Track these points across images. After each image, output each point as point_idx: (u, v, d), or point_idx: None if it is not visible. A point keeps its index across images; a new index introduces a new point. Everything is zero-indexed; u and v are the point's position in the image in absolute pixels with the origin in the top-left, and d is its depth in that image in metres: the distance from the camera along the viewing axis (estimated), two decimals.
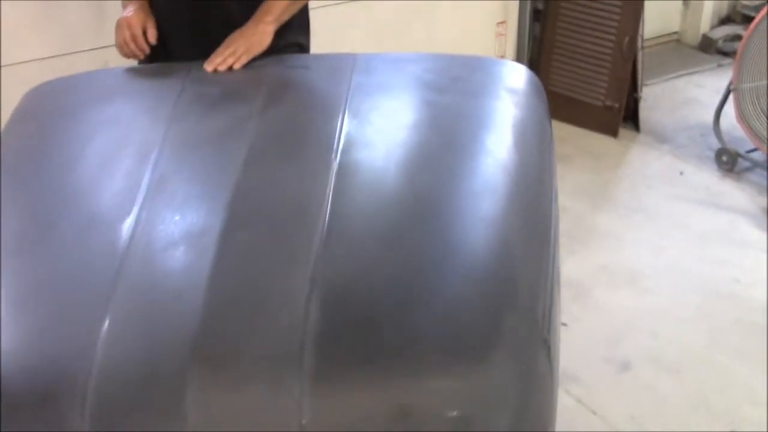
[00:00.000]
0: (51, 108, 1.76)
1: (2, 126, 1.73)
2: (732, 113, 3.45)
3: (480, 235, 1.19)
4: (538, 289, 1.16)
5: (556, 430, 1.14)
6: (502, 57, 3.91)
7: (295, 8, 1.94)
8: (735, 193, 3.34)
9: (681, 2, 4.79)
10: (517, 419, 0.97)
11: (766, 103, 3.33)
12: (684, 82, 4.38)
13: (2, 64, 2.52)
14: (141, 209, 1.19)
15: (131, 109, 1.70)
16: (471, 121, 1.66)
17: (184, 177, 1.31)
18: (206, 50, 1.80)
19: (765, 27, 3.29)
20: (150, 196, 1.23)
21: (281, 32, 1.89)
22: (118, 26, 1.90)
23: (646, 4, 3.67)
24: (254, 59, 1.84)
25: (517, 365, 1.00)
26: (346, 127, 1.49)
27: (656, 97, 4.14)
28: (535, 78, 1.92)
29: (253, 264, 1.07)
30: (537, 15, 3.96)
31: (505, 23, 3.94)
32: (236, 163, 1.31)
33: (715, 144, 3.56)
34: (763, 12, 3.32)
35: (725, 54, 4.63)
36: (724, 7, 4.86)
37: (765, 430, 2.18)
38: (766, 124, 3.34)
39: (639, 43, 3.67)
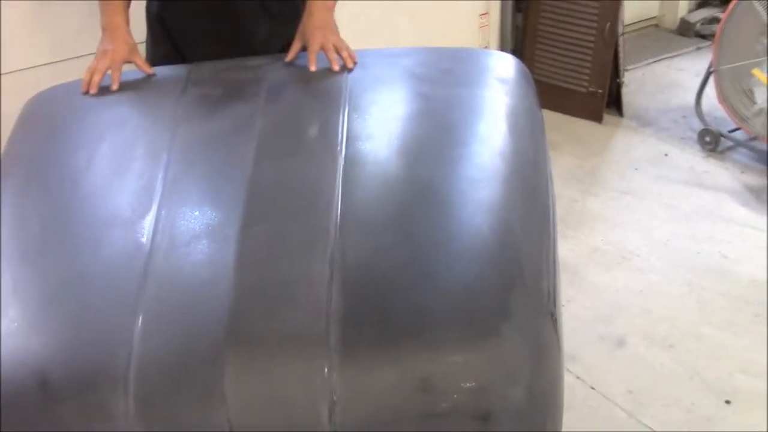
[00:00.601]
0: (55, 114, 1.80)
1: (3, 133, 1.76)
2: (713, 94, 3.54)
3: (483, 218, 1.26)
4: (541, 266, 1.23)
5: None
6: (486, 47, 3.98)
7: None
8: (719, 172, 3.43)
9: None
10: (530, 388, 1.04)
11: (746, 83, 3.41)
12: (664, 65, 4.46)
13: (1, 72, 2.55)
14: (159, 207, 1.25)
15: (136, 112, 1.75)
16: (465, 111, 1.72)
17: (198, 175, 1.36)
18: (222, 41, 1.84)
19: (742, 8, 3.37)
20: (166, 195, 1.29)
21: (283, 32, 1.94)
22: (102, 56, 1.82)
23: None
24: (252, 59, 1.90)
25: (527, 337, 1.07)
26: (349, 120, 1.55)
27: (638, 82, 4.22)
28: (523, 66, 1.99)
29: (274, 252, 1.13)
30: (519, 5, 4.02)
31: (487, 15, 4.00)
32: (247, 159, 1.37)
33: (697, 125, 3.65)
34: None
35: (703, 37, 4.72)
36: None
37: (756, 396, 2.26)
38: (746, 104, 3.43)
39: (620, 29, 3.75)
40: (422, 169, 1.43)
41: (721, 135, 3.56)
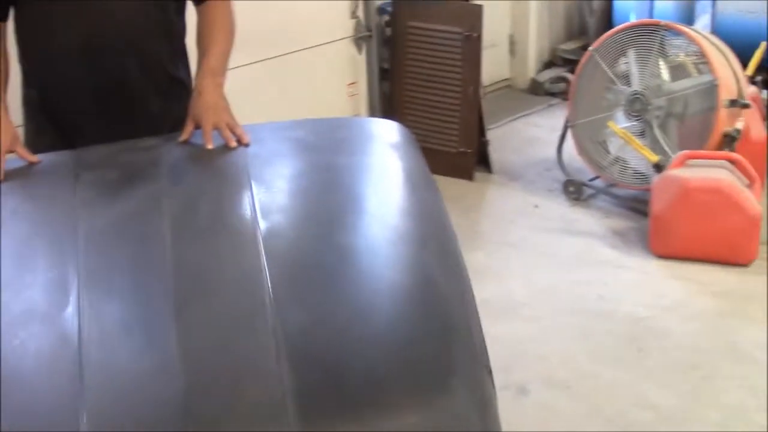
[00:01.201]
0: None
1: None
2: (572, 147, 3.80)
3: (406, 276, 1.30)
4: (470, 320, 1.27)
5: None
6: (357, 115, 4.09)
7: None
8: (585, 219, 3.66)
9: (508, 51, 5.21)
10: None
11: (600, 135, 3.69)
12: (522, 123, 4.75)
13: None
14: (79, 299, 1.19)
15: (28, 203, 1.67)
16: (366, 178, 1.77)
17: (116, 262, 1.31)
18: (112, 122, 1.80)
19: (590, 66, 3.66)
20: (84, 286, 1.23)
21: (183, 99, 1.93)
22: None
23: None
24: (144, 140, 1.86)
25: (473, 390, 1.10)
26: (257, 195, 1.55)
27: (500, 139, 4.45)
28: (407, 130, 2.06)
29: (215, 333, 1.11)
30: (385, 74, 4.18)
31: (356, 84, 4.13)
32: (162, 243, 1.34)
33: (561, 176, 3.88)
34: (585, 57, 3.69)
35: (553, 94, 5.07)
36: (546, 53, 5.33)
37: (652, 427, 2.39)
38: (602, 154, 3.70)
39: (481, 92, 3.97)
40: (338, 236, 1.45)
41: (583, 184, 3.81)
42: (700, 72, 3.47)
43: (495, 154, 4.19)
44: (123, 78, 1.95)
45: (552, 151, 4.00)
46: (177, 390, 0.99)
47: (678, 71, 3.50)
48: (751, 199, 3.10)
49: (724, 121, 3.37)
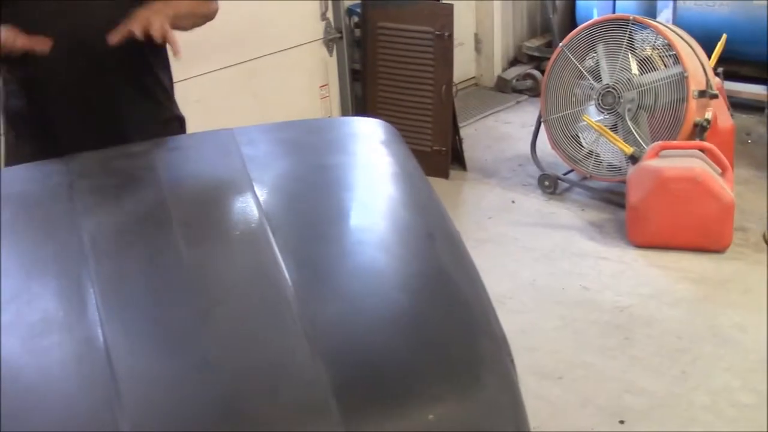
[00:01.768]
0: None
1: None
2: (545, 141, 3.84)
3: (430, 270, 1.30)
4: (489, 314, 1.29)
5: None
6: (330, 117, 4.09)
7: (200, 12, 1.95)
8: (562, 212, 3.71)
9: (474, 50, 5.25)
10: (517, 425, 1.08)
11: (573, 129, 3.74)
12: (492, 120, 4.79)
13: None
14: (98, 308, 1.17)
15: (23, 212, 1.64)
16: (366, 174, 1.78)
17: (131, 268, 1.30)
18: (94, 124, 1.79)
19: (561, 61, 3.71)
20: (99, 293, 1.21)
21: (165, 103, 1.91)
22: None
23: None
24: (134, 145, 1.84)
25: (503, 380, 1.12)
26: (261, 196, 1.55)
27: (472, 137, 4.49)
28: (393, 128, 2.07)
29: (246, 334, 1.10)
30: (356, 75, 4.18)
31: (327, 86, 4.12)
32: (177, 248, 1.32)
33: (535, 171, 3.93)
34: (555, 53, 3.74)
35: (520, 92, 5.13)
36: (511, 50, 5.39)
37: (645, 413, 2.43)
38: (576, 148, 3.75)
39: (454, 91, 3.99)
40: (349, 232, 1.46)
41: (558, 178, 3.85)
42: (665, 65, 3.54)
43: (468, 151, 4.22)
44: (104, 80, 1.93)
45: (524, 147, 4.05)
46: (216, 392, 0.98)
47: (645, 64, 3.57)
48: (724, 187, 3.18)
49: (694, 112, 3.44)
